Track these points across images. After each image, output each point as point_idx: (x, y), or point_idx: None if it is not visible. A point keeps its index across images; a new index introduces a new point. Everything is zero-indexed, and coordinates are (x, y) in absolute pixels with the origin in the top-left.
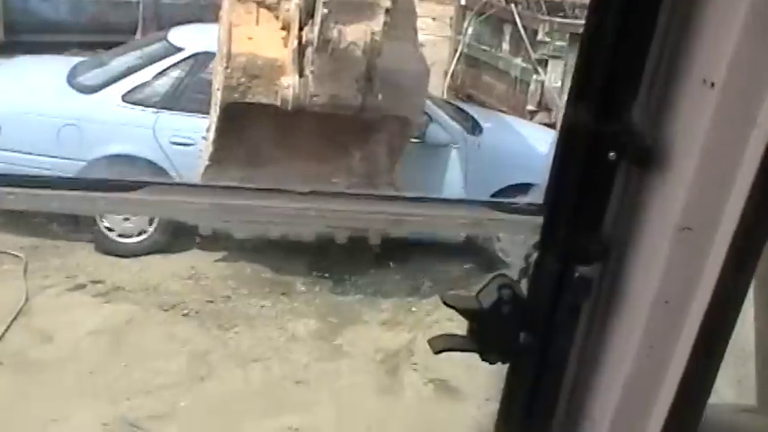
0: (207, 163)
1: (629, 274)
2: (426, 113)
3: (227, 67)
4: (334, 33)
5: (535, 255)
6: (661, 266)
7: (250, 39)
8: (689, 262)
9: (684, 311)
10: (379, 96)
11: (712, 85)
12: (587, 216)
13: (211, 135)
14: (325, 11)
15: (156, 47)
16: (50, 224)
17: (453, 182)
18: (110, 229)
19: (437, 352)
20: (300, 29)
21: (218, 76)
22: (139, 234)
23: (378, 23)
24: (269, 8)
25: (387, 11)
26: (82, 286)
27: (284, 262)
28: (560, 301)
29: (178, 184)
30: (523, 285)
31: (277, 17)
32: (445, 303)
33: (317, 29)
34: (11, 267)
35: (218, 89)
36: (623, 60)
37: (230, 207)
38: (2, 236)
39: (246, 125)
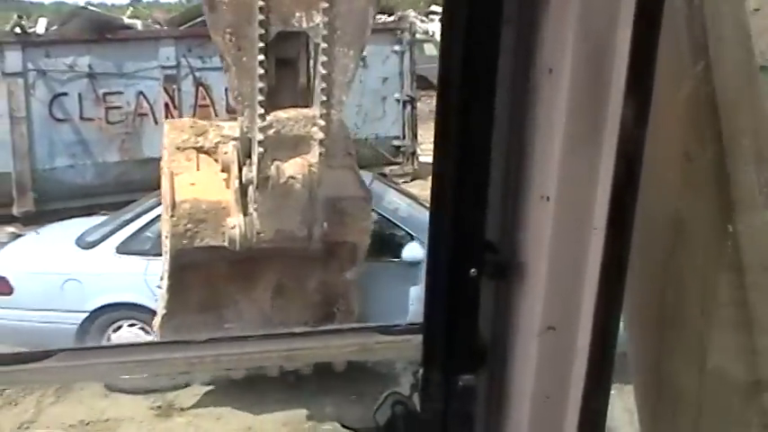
0: (163, 312)
1: (508, 377)
2: (407, 231)
3: (172, 216)
4: (273, 170)
5: (421, 370)
6: (534, 367)
7: (192, 185)
8: (558, 358)
9: (564, 402)
10: (324, 225)
11: (548, 198)
12: (461, 329)
13: (165, 284)
14: (261, 150)
15: (154, 199)
16: None
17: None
18: None
19: None
20: (240, 169)
21: (165, 224)
22: None
23: (314, 155)
24: (208, 153)
25: (321, 142)
26: None
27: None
28: (450, 411)
29: (84, 349)
30: (416, 399)
31: (216, 160)
32: (343, 426)
33: (255, 168)
34: None
35: (166, 237)
36: (468, 186)
37: (134, 363)
38: None
39: (199, 269)
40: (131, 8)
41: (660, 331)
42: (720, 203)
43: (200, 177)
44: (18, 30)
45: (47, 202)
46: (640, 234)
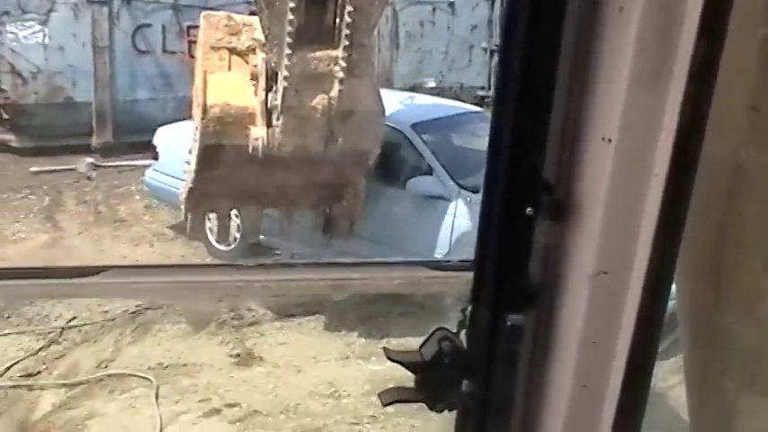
0: (190, 186)
1: (557, 319)
2: (425, 162)
3: (203, 117)
4: (295, 101)
5: (470, 307)
6: (584, 310)
7: (223, 87)
8: (609, 303)
9: (611, 350)
10: (339, 140)
11: (609, 141)
12: (512, 269)
13: (193, 162)
14: (286, 84)
15: None
16: None
17: (437, 238)
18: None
19: (386, 404)
20: (267, 82)
21: (196, 118)
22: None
23: (334, 90)
24: (240, 54)
25: (341, 80)
26: (217, 411)
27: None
28: (496, 349)
29: (133, 267)
30: (463, 337)
31: (247, 62)
32: (389, 358)
33: (279, 96)
34: (142, 392)
35: (196, 128)
36: (529, 124)
37: (181, 284)
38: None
39: (223, 159)
40: None
41: (715, 283)
42: None
43: (231, 79)
44: None
45: (126, 134)
46: (701, 183)
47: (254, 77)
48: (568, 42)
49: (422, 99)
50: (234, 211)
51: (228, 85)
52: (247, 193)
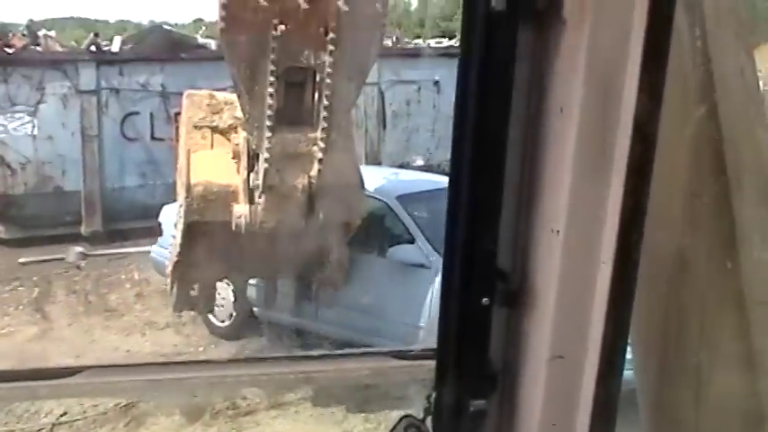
0: (175, 259)
1: (518, 403)
2: (407, 233)
3: (187, 196)
4: (276, 180)
5: (434, 394)
6: (542, 393)
7: (206, 165)
8: (566, 386)
9: (571, 430)
10: (320, 215)
11: (558, 232)
12: (472, 356)
13: (179, 236)
14: (267, 165)
15: None
16: None
17: (417, 304)
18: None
19: None
20: (248, 163)
21: (180, 195)
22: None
23: (314, 169)
24: (222, 133)
25: (320, 160)
26: None
27: None
28: None
29: (111, 366)
30: (429, 423)
31: (229, 140)
32: None
33: (261, 176)
34: None
35: (180, 206)
36: (481, 217)
37: (157, 382)
38: None
39: (206, 235)
40: (204, 27)
41: (664, 363)
42: (723, 240)
43: (214, 158)
44: (93, 47)
45: (115, 222)
46: (645, 268)
47: (236, 156)
48: (515, 139)
49: (409, 174)
50: (229, 289)
51: (211, 164)
52: (231, 265)
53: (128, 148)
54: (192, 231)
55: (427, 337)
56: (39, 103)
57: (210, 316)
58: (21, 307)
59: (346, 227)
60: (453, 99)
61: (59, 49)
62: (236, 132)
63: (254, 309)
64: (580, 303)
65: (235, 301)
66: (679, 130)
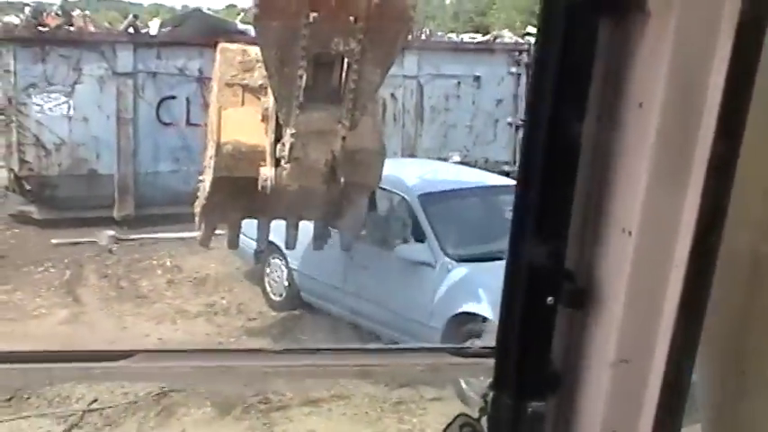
0: (203, 202)
1: (578, 407)
2: (421, 231)
3: (216, 153)
4: (302, 154)
5: (491, 394)
6: (604, 398)
7: (236, 124)
8: (629, 392)
9: None
10: (341, 180)
11: (630, 233)
12: (534, 356)
13: (207, 186)
14: (293, 139)
15: None
16: None
17: (421, 302)
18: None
19: None
20: (276, 131)
21: (210, 149)
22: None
23: (337, 145)
24: (252, 91)
25: (343, 138)
26: None
27: None
28: None
29: (162, 351)
30: (484, 423)
31: (259, 98)
32: None
33: (287, 148)
34: None
35: (210, 158)
36: (550, 214)
37: (209, 369)
38: None
39: (233, 186)
40: (243, 13)
41: (735, 374)
42: None
43: (244, 116)
44: (131, 29)
45: (148, 207)
46: (721, 273)
47: (265, 119)
48: (590, 134)
49: (446, 172)
50: (284, 268)
51: (241, 123)
52: (255, 210)
53: (162, 133)
54: (219, 183)
55: (434, 336)
56: (75, 83)
57: (270, 293)
58: (52, 289)
59: (365, 187)
60: (493, 95)
61: (93, 30)
62: (265, 95)
63: (301, 293)
64: (649, 307)
65: (288, 285)
66: (763, 133)
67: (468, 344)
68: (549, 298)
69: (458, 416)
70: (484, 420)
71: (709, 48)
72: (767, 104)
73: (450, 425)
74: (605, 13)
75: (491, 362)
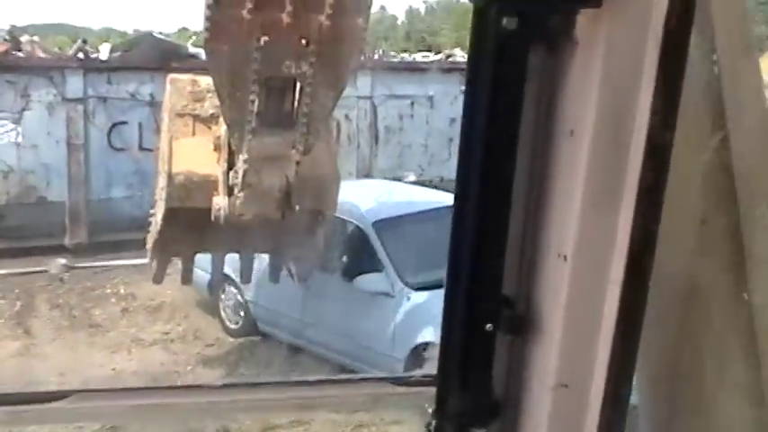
0: (155, 237)
1: (521, 431)
2: (378, 261)
3: (168, 184)
4: (255, 180)
5: (434, 422)
6: (546, 422)
7: (187, 154)
8: (570, 415)
9: None
10: (296, 207)
11: (565, 258)
12: (474, 383)
13: (158, 220)
14: (246, 166)
15: None
16: None
17: (382, 331)
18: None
19: None
20: (228, 159)
21: (161, 179)
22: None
23: (291, 170)
24: (203, 121)
25: (297, 163)
26: None
27: None
28: None
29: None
30: None
31: (210, 128)
32: None
33: (240, 175)
34: None
35: (162, 189)
36: (487, 242)
37: (146, 407)
38: None
39: (186, 218)
40: (195, 36)
41: (672, 392)
42: (735, 268)
43: (195, 146)
44: (81, 54)
45: (101, 234)
46: (655, 296)
47: (217, 148)
48: (524, 161)
49: (402, 189)
50: (240, 297)
51: (192, 153)
52: (209, 244)
53: (115, 159)
54: (171, 215)
55: (397, 366)
56: (23, 110)
57: (226, 321)
58: (2, 321)
59: (321, 215)
60: (447, 115)
61: (43, 55)
62: (217, 124)
63: (258, 323)
64: (587, 331)
65: (243, 314)
66: (691, 157)
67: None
68: (489, 325)
69: None
70: None
71: (636, 75)
72: (693, 131)
73: None
74: (535, 41)
75: (433, 390)
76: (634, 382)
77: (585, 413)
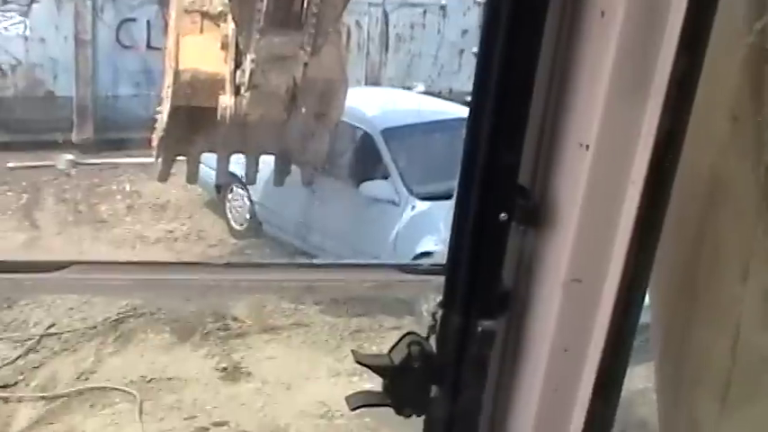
0: (161, 134)
1: (529, 326)
2: (384, 168)
3: (174, 81)
4: (262, 80)
5: (441, 312)
6: (556, 317)
7: (194, 51)
8: (581, 311)
9: (582, 357)
10: (303, 109)
11: (587, 147)
12: (485, 274)
13: (164, 118)
14: (253, 65)
15: None
16: None
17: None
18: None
19: (353, 408)
20: (236, 57)
21: (168, 77)
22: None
23: (299, 71)
24: (212, 18)
25: (305, 64)
26: (204, 430)
27: None
28: (466, 355)
29: (100, 263)
30: (433, 341)
31: (218, 25)
32: (358, 362)
33: (247, 74)
34: (125, 407)
35: (168, 87)
36: (505, 128)
37: (151, 282)
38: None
39: (192, 117)
40: None
41: (690, 295)
42: (765, 168)
43: (203, 44)
44: None
45: (107, 131)
46: (679, 192)
47: (224, 46)
48: (548, 46)
49: (410, 102)
50: (246, 199)
51: (200, 50)
52: (214, 143)
53: (123, 56)
54: (177, 113)
55: None
56: (32, 2)
57: (231, 222)
58: (9, 213)
59: (327, 118)
60: (459, 25)
61: None
62: (225, 21)
63: (263, 225)
64: (604, 226)
65: (249, 215)
66: (728, 50)
67: None
68: (502, 214)
69: (406, 334)
70: (433, 339)
71: None
72: (732, 21)
73: (397, 343)
74: None
75: (441, 279)
76: (649, 285)
77: (597, 310)
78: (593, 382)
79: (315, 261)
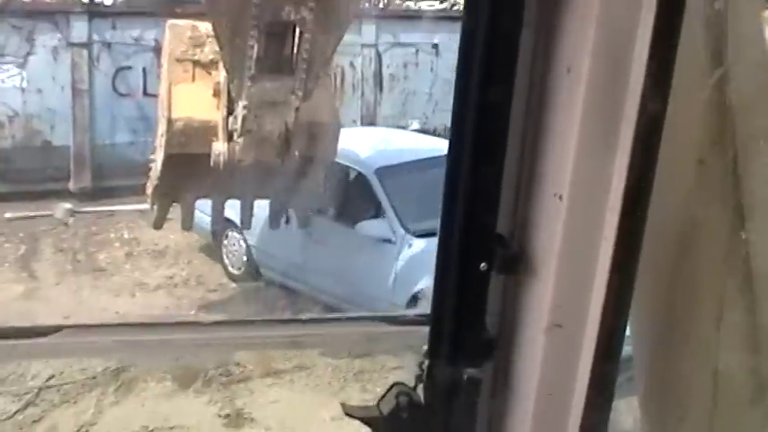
0: (155, 183)
1: (514, 372)
2: (379, 207)
3: (167, 130)
4: (254, 126)
5: (427, 362)
6: (539, 363)
7: (187, 99)
8: (563, 356)
9: (566, 401)
10: (296, 153)
11: (561, 198)
12: (468, 322)
13: (158, 166)
14: (245, 111)
15: None
16: None
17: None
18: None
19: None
20: (228, 104)
21: (161, 126)
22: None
23: (290, 116)
24: (203, 66)
25: (296, 109)
26: None
27: None
28: (454, 403)
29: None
30: (421, 391)
31: (210, 73)
32: (347, 414)
33: (240, 120)
34: None
35: (161, 135)
36: (482, 180)
37: (140, 343)
38: None
39: (185, 164)
40: None
41: (669, 336)
42: (732, 209)
43: (195, 92)
44: None
45: (104, 179)
46: (651, 236)
47: (217, 93)
48: (521, 100)
49: (405, 140)
50: (243, 243)
51: (192, 98)
52: (209, 189)
53: (119, 104)
54: (171, 160)
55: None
56: (28, 54)
57: (229, 266)
58: (6, 264)
59: (321, 161)
60: (452, 63)
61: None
62: (216, 69)
63: (260, 269)
64: (582, 272)
65: (246, 259)
66: (690, 96)
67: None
68: (483, 264)
69: (393, 385)
70: (420, 388)
71: (635, 12)
72: (692, 69)
73: (385, 394)
74: None
75: (426, 330)
76: (628, 329)
77: (579, 354)
78: (579, 425)
79: (300, 317)
